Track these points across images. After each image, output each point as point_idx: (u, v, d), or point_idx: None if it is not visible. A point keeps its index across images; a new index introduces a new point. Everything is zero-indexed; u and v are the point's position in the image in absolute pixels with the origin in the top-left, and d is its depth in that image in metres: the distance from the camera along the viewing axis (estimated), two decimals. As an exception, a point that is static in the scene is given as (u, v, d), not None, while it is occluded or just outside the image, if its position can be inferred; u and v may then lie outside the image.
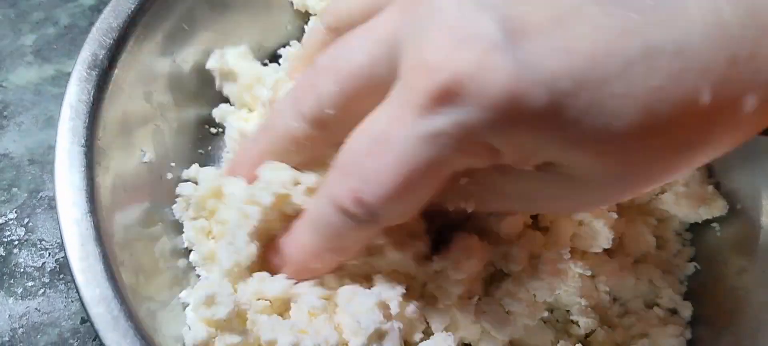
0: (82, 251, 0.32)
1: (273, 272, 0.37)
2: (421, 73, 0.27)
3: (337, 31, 0.36)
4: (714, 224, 0.41)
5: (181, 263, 0.39)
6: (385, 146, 0.29)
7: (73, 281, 0.32)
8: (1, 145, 0.50)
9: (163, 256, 0.38)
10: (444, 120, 0.27)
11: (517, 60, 0.25)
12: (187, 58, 0.44)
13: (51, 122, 0.51)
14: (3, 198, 0.48)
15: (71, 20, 0.56)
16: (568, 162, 0.28)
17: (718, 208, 0.41)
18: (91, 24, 0.55)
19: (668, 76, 0.25)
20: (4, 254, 0.46)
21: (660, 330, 0.38)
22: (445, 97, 0.26)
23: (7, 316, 0.44)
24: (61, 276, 0.46)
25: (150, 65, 0.41)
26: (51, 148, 0.49)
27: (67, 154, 0.35)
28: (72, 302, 0.45)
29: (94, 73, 0.38)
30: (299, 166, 0.36)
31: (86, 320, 0.44)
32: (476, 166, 0.29)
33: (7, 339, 0.43)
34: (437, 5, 0.28)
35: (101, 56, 0.39)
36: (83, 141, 0.36)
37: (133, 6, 0.41)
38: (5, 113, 0.52)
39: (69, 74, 0.52)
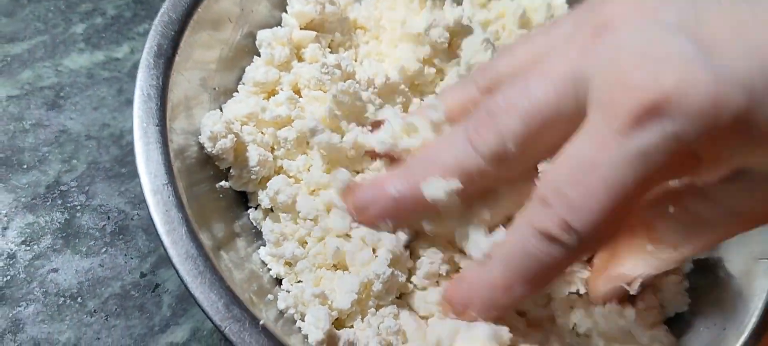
0: (166, 216, 0.34)
1: (457, 312, 0.35)
2: (624, 96, 0.27)
3: (490, 89, 0.35)
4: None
5: (247, 223, 0.41)
6: (592, 172, 0.28)
7: (161, 243, 0.33)
8: (59, 122, 0.51)
9: (231, 220, 0.39)
10: (651, 135, 0.26)
11: (714, 68, 0.25)
12: (233, 47, 0.44)
13: (103, 103, 0.52)
14: (65, 169, 0.49)
15: (117, 11, 0.56)
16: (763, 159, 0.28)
17: None
18: (136, 15, 0.56)
19: None
20: (68, 217, 0.47)
21: None
22: (652, 113, 0.26)
23: (74, 271, 0.45)
24: (121, 236, 0.46)
25: (203, 54, 0.42)
26: (105, 125, 0.51)
27: (144, 133, 0.36)
28: (131, 258, 0.46)
29: (160, 61, 0.39)
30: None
31: (145, 274, 0.45)
32: (673, 182, 0.30)
33: (75, 291, 0.44)
34: (624, 38, 0.28)
35: (165, 46, 0.39)
36: (157, 121, 0.37)
37: (188, 1, 0.41)
38: (62, 94, 0.52)
39: (118, 60, 0.53)
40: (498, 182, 0.35)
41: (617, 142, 0.27)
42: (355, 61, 0.47)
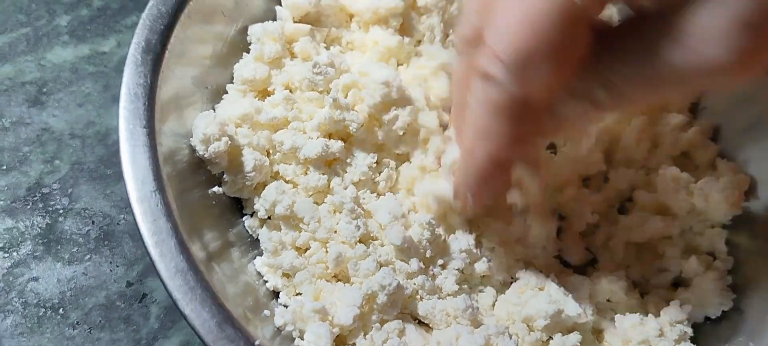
0: (154, 226, 0.31)
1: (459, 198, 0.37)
2: None
3: (474, 40, 0.33)
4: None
5: (242, 231, 0.39)
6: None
7: (148, 255, 0.31)
8: (42, 119, 0.48)
9: (224, 228, 0.37)
10: None
11: None
12: (227, 42, 0.42)
13: (89, 99, 0.49)
14: (47, 170, 0.46)
15: (104, 2, 0.54)
16: None
17: None
18: (123, 6, 0.53)
19: None
20: (50, 222, 0.44)
21: None
22: None
23: (56, 280, 0.42)
24: (106, 243, 0.44)
25: (195, 50, 0.40)
26: (90, 123, 0.48)
27: (131, 135, 0.34)
28: (117, 266, 0.43)
29: (149, 57, 0.36)
30: None
31: (132, 283, 0.43)
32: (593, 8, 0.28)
33: (57, 302, 0.42)
34: None
35: (154, 41, 0.37)
36: (144, 122, 0.34)
37: (179, -7, 0.39)
38: (44, 90, 0.49)
39: (104, 54, 0.51)
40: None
41: None
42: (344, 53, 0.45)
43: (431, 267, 0.38)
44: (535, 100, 0.30)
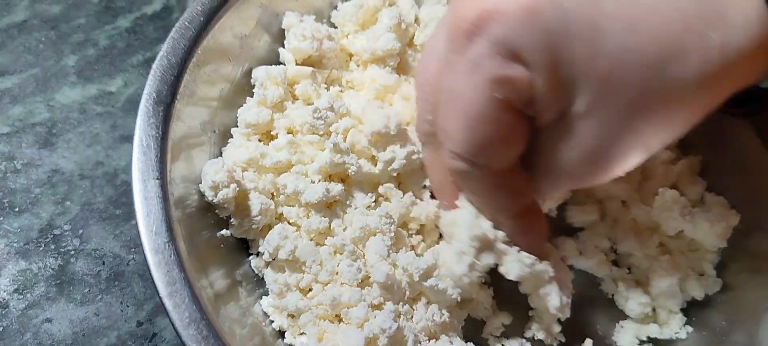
0: (169, 278, 0.33)
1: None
2: (454, 24, 0.31)
3: (432, 135, 0.37)
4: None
5: (248, 270, 0.40)
6: (451, 98, 0.32)
7: (162, 305, 0.32)
8: (52, 161, 0.50)
9: (232, 268, 0.38)
10: (480, 45, 0.30)
11: None
12: (233, 85, 0.44)
13: (97, 139, 0.51)
14: (58, 211, 0.48)
15: (110, 42, 0.55)
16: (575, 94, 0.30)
17: None
18: (129, 45, 0.55)
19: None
20: (62, 263, 0.46)
21: None
22: (477, 27, 0.30)
23: (68, 321, 0.44)
24: (116, 283, 0.45)
25: (203, 96, 0.41)
26: (98, 163, 0.50)
27: (144, 186, 0.35)
28: (127, 306, 0.45)
29: (160, 108, 0.38)
30: None
31: (142, 323, 0.44)
32: (519, 93, 0.31)
33: (70, 342, 0.43)
34: None
35: (164, 92, 0.39)
36: (157, 174, 0.36)
37: (187, 43, 0.41)
38: (54, 131, 0.51)
39: (111, 93, 0.52)
40: None
41: (455, 60, 0.31)
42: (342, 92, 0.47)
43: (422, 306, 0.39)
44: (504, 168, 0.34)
